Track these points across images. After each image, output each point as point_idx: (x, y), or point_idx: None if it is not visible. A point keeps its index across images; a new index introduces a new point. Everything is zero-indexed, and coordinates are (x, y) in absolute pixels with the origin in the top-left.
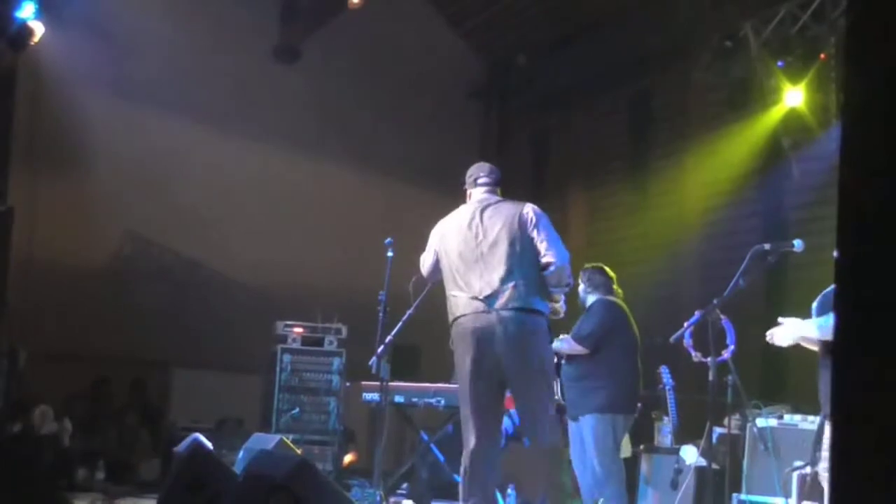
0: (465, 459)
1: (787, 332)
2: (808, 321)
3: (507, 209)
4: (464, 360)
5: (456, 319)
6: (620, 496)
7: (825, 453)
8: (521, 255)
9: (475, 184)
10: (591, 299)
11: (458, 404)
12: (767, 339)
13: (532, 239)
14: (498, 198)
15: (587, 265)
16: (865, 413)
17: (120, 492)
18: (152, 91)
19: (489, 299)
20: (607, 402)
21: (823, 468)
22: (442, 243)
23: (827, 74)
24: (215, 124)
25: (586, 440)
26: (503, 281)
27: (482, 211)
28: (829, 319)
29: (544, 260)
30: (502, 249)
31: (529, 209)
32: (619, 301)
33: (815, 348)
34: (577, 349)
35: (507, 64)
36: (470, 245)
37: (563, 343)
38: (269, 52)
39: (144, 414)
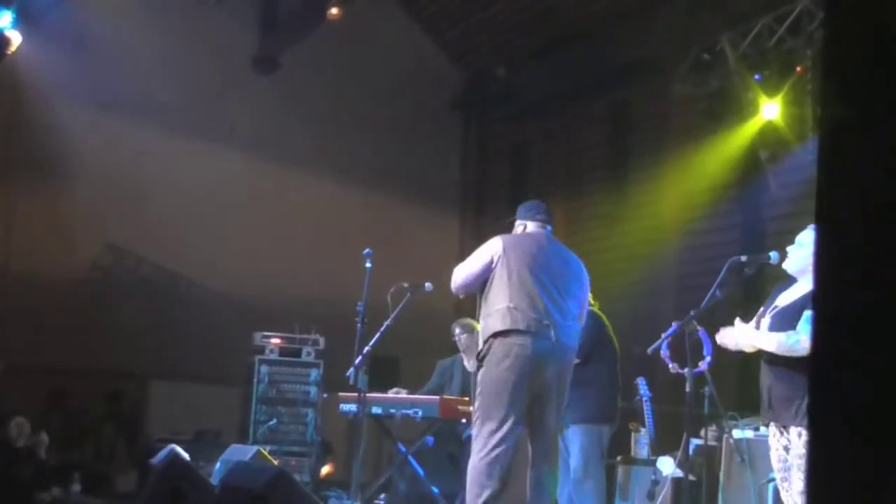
0: (497, 458)
1: (739, 338)
2: (768, 336)
3: (572, 254)
4: (512, 372)
5: (509, 333)
6: None
7: (778, 464)
8: (579, 299)
9: (533, 218)
10: None
11: (486, 411)
12: (718, 340)
13: (584, 289)
14: (556, 239)
15: None
16: (843, 424)
17: None
18: (131, 101)
19: (553, 329)
20: (594, 412)
21: (782, 478)
22: (506, 257)
23: (803, 87)
24: (194, 135)
25: (571, 450)
26: (566, 316)
27: (553, 245)
28: (794, 337)
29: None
30: (571, 287)
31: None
32: (601, 313)
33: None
34: None
35: (487, 75)
36: (545, 269)
37: None
38: (248, 63)
39: (121, 426)
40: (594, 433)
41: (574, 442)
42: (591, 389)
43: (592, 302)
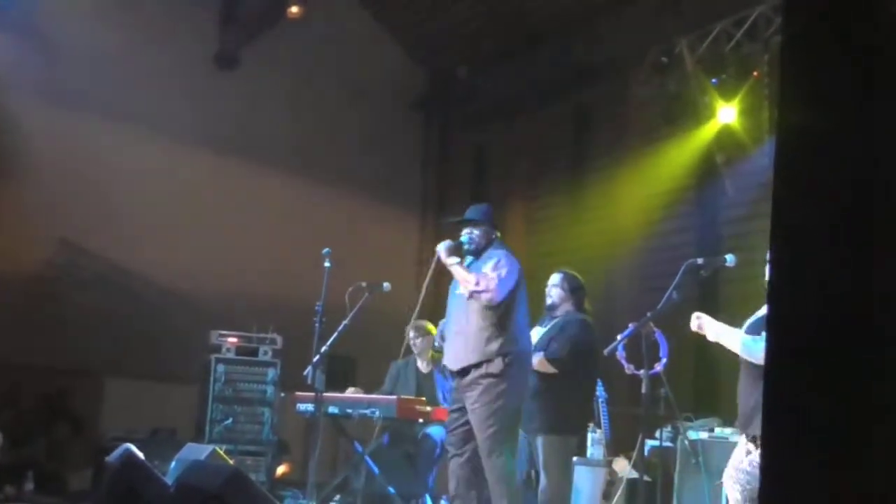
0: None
1: (714, 330)
2: (735, 333)
3: None
4: (525, 387)
5: (526, 351)
6: None
7: (732, 461)
8: None
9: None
10: (563, 309)
11: (510, 423)
12: (693, 324)
13: None
14: None
15: (565, 269)
16: (797, 430)
17: (50, 503)
18: (88, 97)
19: None
20: (565, 422)
21: (728, 475)
22: (522, 282)
23: (760, 92)
24: (153, 132)
25: (539, 457)
26: None
27: None
28: (758, 343)
29: None
30: None
31: None
32: (590, 321)
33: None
34: (549, 369)
35: (449, 76)
36: None
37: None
38: (207, 60)
39: (75, 424)
40: (562, 443)
41: (544, 450)
42: (565, 399)
43: (588, 311)
